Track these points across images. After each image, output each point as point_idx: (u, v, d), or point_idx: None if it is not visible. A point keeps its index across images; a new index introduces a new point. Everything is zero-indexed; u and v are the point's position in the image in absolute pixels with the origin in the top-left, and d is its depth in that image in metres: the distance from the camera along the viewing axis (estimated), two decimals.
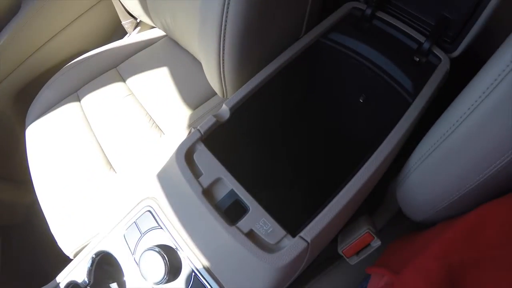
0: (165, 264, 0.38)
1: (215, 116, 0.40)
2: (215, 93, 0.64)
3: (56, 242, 0.57)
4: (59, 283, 0.46)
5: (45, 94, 0.70)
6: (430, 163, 0.35)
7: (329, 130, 0.50)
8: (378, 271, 0.38)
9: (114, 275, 0.45)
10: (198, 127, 0.39)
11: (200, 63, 0.67)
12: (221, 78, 0.46)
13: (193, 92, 0.65)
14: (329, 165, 0.48)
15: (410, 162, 0.38)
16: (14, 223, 0.88)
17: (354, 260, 0.41)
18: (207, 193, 0.36)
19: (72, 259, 0.48)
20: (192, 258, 0.38)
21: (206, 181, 0.36)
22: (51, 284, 0.47)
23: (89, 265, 0.44)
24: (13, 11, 0.70)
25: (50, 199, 0.60)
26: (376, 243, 0.39)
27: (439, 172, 0.34)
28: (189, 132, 0.41)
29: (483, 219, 0.29)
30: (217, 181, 0.37)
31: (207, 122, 0.39)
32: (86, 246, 0.47)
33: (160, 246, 0.39)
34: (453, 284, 0.27)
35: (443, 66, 0.42)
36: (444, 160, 0.33)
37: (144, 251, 0.39)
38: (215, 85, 0.50)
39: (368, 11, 0.46)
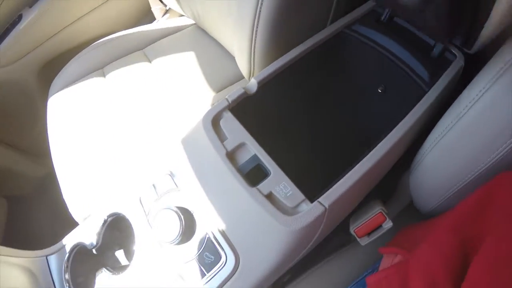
0: (181, 224, 0.38)
1: (243, 88, 0.42)
2: (239, 79, 0.66)
3: (68, 209, 0.57)
4: (65, 244, 0.46)
5: (72, 67, 0.72)
6: (444, 145, 0.36)
7: (349, 113, 0.52)
8: (391, 251, 0.39)
9: (123, 242, 0.45)
10: (226, 97, 0.41)
11: (227, 52, 0.69)
12: (250, 57, 0.49)
13: (218, 76, 0.67)
14: (349, 141, 0.49)
15: (424, 146, 0.40)
16: (22, 194, 0.88)
17: (365, 241, 0.41)
18: (230, 156, 0.37)
19: None
20: (208, 221, 0.39)
21: (230, 144, 0.38)
22: (57, 245, 0.46)
23: (100, 226, 0.44)
24: None
25: (66, 168, 0.60)
26: (388, 224, 0.40)
27: (452, 154, 0.35)
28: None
29: (492, 192, 0.29)
30: (241, 145, 0.38)
31: (236, 92, 0.41)
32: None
33: (177, 207, 0.40)
34: (466, 256, 0.28)
35: (457, 63, 0.44)
36: (457, 141, 0.34)
37: (160, 210, 0.39)
38: (243, 65, 0.52)
39: (386, 16, 0.49)
